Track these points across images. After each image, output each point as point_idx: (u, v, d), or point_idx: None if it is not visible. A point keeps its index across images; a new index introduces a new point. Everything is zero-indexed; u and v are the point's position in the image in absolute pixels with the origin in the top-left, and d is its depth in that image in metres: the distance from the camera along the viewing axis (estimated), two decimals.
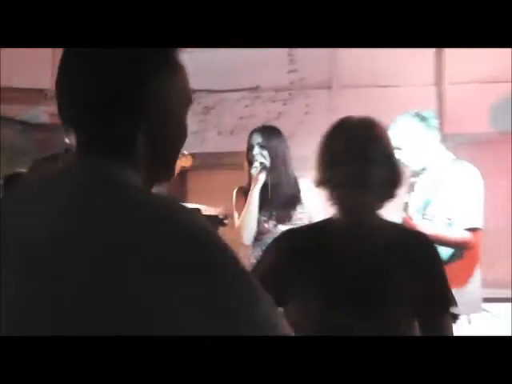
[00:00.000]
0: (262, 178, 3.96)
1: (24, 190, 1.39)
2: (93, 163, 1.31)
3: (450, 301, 2.24)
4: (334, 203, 2.20)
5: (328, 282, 2.16)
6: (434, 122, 3.92)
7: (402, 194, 3.76)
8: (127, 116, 1.32)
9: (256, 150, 3.98)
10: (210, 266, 1.21)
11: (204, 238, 1.23)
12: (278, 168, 4.00)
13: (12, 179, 4.00)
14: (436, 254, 2.28)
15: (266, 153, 3.96)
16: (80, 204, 1.25)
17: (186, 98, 1.43)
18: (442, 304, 2.25)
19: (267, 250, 2.38)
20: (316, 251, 2.21)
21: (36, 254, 1.23)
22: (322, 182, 2.21)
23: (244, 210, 3.98)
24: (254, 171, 3.96)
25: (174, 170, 1.44)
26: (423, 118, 3.88)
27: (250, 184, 4.02)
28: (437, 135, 3.90)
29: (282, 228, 3.91)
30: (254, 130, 4.13)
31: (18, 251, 1.25)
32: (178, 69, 1.42)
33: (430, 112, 3.99)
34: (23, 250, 1.25)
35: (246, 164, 4.11)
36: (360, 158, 2.11)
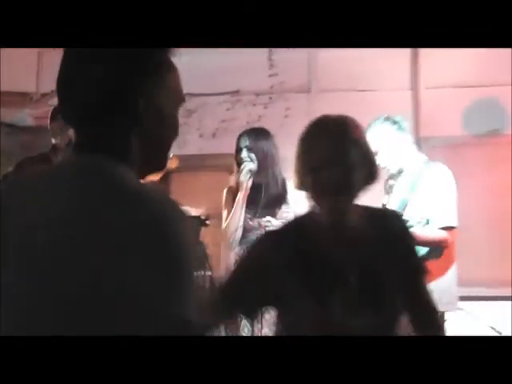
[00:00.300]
0: (250, 185, 4.01)
1: (22, 188, 1.43)
2: (89, 160, 1.37)
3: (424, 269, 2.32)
4: (317, 204, 2.23)
5: (315, 279, 2.19)
6: (405, 125, 4.01)
7: (380, 196, 3.85)
8: (123, 114, 1.38)
9: (244, 153, 4.03)
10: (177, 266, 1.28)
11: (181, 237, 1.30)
12: (266, 169, 4.04)
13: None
14: (408, 230, 2.33)
15: (253, 155, 4.01)
16: (77, 204, 1.30)
17: (177, 97, 1.50)
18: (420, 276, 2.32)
19: (252, 250, 2.40)
20: (300, 249, 2.23)
21: (36, 254, 1.29)
22: (302, 186, 2.24)
23: (231, 215, 4.02)
24: (242, 179, 4.00)
25: (165, 161, 1.51)
26: (394, 122, 3.97)
27: (238, 185, 4.06)
28: (409, 138, 3.99)
29: (270, 218, 3.97)
30: (242, 132, 4.16)
31: (18, 249, 1.31)
32: (170, 69, 1.48)
33: (400, 116, 4.07)
34: (23, 249, 1.31)
35: (235, 166, 4.15)
36: (340, 161, 2.13)
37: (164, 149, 1.49)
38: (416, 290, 2.30)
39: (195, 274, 1.32)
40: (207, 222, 4.13)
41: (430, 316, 2.33)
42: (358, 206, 2.26)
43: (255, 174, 4.01)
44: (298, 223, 2.38)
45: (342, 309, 2.13)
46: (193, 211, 4.34)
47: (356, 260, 2.20)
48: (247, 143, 4.04)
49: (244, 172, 3.98)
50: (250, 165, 3.99)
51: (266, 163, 4.05)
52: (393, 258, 2.23)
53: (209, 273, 4.02)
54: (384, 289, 2.20)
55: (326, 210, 2.22)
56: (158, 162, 1.50)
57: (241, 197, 4.00)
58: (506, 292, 5.50)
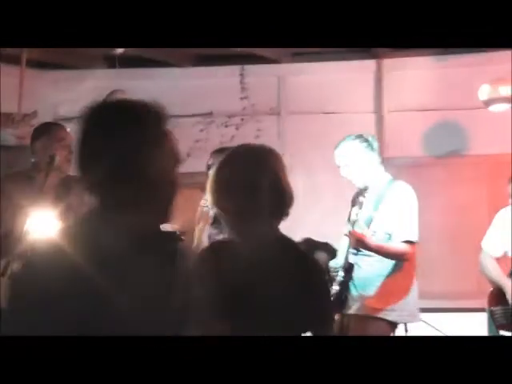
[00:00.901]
0: (212, 216, 4.09)
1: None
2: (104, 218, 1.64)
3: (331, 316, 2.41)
4: (232, 228, 2.35)
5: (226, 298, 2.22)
6: (376, 145, 4.10)
7: (350, 210, 3.93)
8: (132, 179, 1.64)
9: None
10: None
11: None
12: None
13: None
14: (319, 270, 2.40)
15: None
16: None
17: (176, 158, 1.76)
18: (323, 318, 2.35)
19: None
20: (212, 272, 2.28)
21: None
22: (221, 209, 2.33)
23: (197, 237, 4.12)
24: (206, 209, 4.08)
25: (170, 213, 1.77)
26: (366, 141, 4.06)
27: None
28: (377, 157, 4.08)
29: None
30: (213, 151, 4.26)
31: None
32: (169, 137, 1.75)
33: (373, 136, 4.17)
34: None
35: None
36: (251, 187, 2.24)
37: (167, 199, 1.74)
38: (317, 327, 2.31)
39: None
40: (182, 237, 4.21)
41: None
42: (278, 235, 2.37)
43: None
44: (216, 246, 2.57)
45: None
46: (168, 227, 4.43)
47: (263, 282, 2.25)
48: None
49: (207, 204, 4.05)
50: None
51: None
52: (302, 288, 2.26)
53: None
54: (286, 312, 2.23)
55: (236, 229, 2.34)
56: (164, 215, 1.77)
57: (205, 225, 4.09)
58: (466, 304, 5.64)
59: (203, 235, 4.17)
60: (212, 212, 4.07)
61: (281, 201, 2.32)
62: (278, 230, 2.38)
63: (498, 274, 4.42)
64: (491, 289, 4.50)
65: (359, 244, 3.85)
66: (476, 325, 5.51)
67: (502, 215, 4.53)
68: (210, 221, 4.12)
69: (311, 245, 4.95)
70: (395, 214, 3.90)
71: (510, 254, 4.39)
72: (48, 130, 4.05)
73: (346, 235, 3.95)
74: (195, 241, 4.24)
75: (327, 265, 5.43)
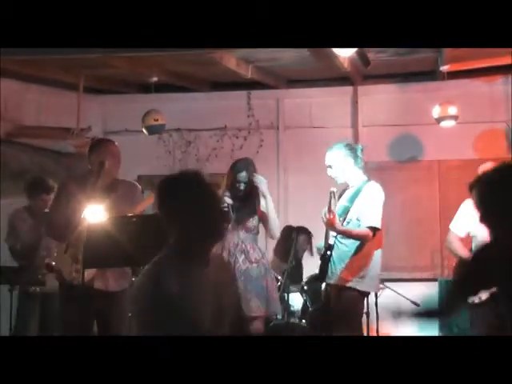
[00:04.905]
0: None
1: None
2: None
3: None
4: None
5: None
6: (360, 154, 4.10)
7: (329, 201, 3.98)
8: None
9: (243, 174, 4.18)
10: None
11: None
12: (252, 188, 4.22)
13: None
14: None
15: (246, 179, 4.17)
16: None
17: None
18: None
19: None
20: None
21: None
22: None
23: None
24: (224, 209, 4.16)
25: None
26: (352, 149, 4.09)
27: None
28: (359, 162, 4.07)
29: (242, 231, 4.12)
30: (236, 160, 4.37)
31: None
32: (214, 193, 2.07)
33: (360, 146, 4.17)
34: None
35: (225, 180, 4.27)
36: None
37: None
38: None
39: None
40: None
41: None
42: None
43: (245, 187, 4.14)
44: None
45: None
46: None
47: None
48: (242, 169, 4.18)
49: (225, 204, 4.10)
50: (243, 183, 4.13)
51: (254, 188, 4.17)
52: None
53: None
54: None
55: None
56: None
57: None
58: (420, 275, 5.76)
59: None
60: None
61: None
62: None
63: (461, 250, 4.43)
64: (455, 263, 4.53)
65: (330, 228, 3.87)
66: (430, 291, 5.63)
67: (467, 204, 4.51)
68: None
69: (292, 229, 5.04)
70: (365, 207, 3.94)
71: (471, 235, 4.43)
72: (101, 145, 4.07)
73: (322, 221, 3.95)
74: None
75: (308, 243, 5.51)
